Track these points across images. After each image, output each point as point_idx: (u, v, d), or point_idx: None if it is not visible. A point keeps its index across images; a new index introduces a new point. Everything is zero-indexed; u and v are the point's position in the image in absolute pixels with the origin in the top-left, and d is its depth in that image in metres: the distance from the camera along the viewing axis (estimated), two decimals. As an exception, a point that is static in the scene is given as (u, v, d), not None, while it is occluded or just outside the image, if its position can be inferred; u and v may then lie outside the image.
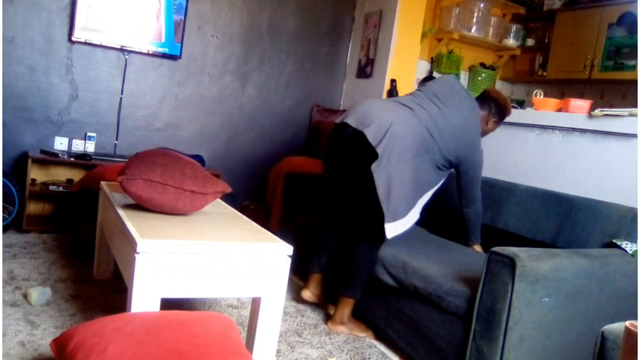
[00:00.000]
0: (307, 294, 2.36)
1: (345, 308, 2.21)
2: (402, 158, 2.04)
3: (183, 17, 3.47)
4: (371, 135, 2.04)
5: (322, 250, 2.37)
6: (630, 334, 0.97)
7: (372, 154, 2.04)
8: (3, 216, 2.88)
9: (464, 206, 2.31)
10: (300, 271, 2.77)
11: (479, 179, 2.28)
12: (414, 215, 2.16)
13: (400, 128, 2.05)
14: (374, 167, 2.03)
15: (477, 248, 2.40)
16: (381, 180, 2.02)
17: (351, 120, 2.13)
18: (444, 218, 2.71)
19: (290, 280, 2.66)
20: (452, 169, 2.27)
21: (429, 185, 2.19)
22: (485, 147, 2.80)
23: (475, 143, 2.22)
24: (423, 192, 2.18)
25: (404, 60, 3.74)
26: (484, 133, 2.35)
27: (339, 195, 2.34)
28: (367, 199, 2.09)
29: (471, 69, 4.48)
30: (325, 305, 2.43)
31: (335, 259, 2.36)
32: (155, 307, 1.55)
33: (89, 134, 3.39)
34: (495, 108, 2.31)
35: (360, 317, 2.31)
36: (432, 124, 2.13)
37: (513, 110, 2.74)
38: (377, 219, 2.08)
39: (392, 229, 2.08)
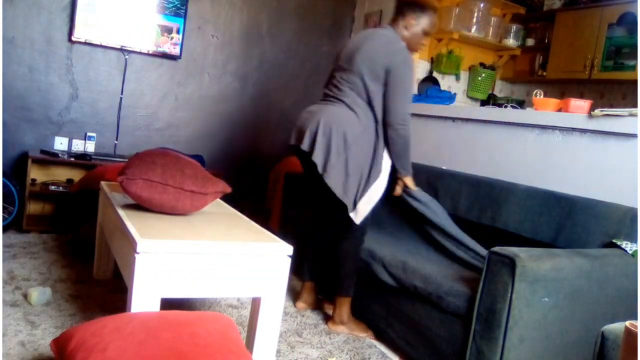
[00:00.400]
0: (300, 305, 2.42)
1: (343, 307, 2.23)
2: (342, 149, 2.07)
3: (183, 17, 3.47)
4: (306, 145, 2.12)
5: (307, 258, 2.42)
6: (630, 334, 0.97)
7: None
8: (3, 216, 2.88)
9: (392, 124, 2.13)
10: (299, 272, 2.77)
11: (409, 90, 2.14)
12: (377, 188, 2.16)
13: (328, 124, 2.09)
14: (320, 172, 2.10)
15: (408, 182, 2.29)
16: (332, 181, 2.08)
17: (292, 140, 2.23)
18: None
19: (290, 281, 2.66)
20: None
21: (379, 151, 2.16)
22: (485, 147, 2.80)
23: (394, 50, 2.12)
24: (377, 164, 2.15)
25: (404, 60, 3.73)
26: (414, 38, 2.23)
27: (316, 205, 2.41)
28: (332, 200, 2.14)
29: (471, 69, 4.48)
30: (322, 306, 2.44)
31: (327, 262, 2.38)
32: (155, 307, 1.55)
33: (89, 134, 3.39)
34: (406, 8, 2.21)
35: (361, 317, 2.31)
36: (351, 80, 2.13)
37: (513, 110, 2.74)
38: (346, 214, 2.14)
39: (359, 214, 2.13)
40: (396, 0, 2.31)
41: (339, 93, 2.18)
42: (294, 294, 2.57)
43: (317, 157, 2.09)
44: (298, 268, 2.56)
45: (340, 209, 2.16)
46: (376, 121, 2.15)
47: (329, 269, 2.32)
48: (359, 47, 2.16)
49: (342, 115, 2.12)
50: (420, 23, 2.22)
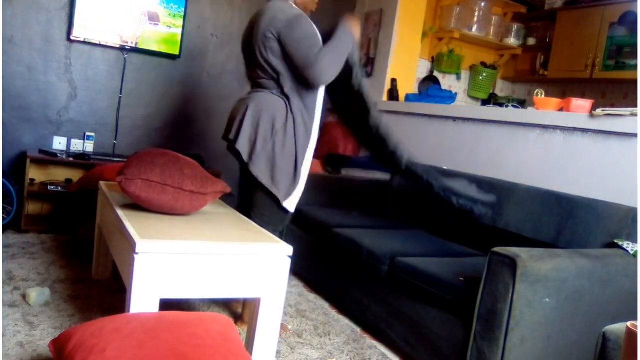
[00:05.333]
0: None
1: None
2: (269, 136, 2.03)
3: (183, 17, 3.46)
4: (232, 134, 2.09)
5: None
6: (631, 335, 0.97)
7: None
8: (2, 216, 2.87)
9: (303, 80, 2.02)
10: (299, 272, 2.77)
11: (300, 40, 1.98)
12: (306, 171, 2.13)
13: (254, 111, 2.05)
14: (245, 159, 2.05)
15: (350, 21, 2.14)
16: (258, 170, 2.03)
17: (224, 134, 2.19)
18: (443, 218, 2.71)
19: (290, 281, 2.65)
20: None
21: (308, 131, 2.12)
22: (486, 147, 2.79)
23: (280, 18, 2.01)
24: (307, 150, 2.12)
25: (405, 59, 3.73)
26: (307, 3, 2.20)
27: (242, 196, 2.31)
28: (259, 190, 2.09)
29: (472, 68, 4.48)
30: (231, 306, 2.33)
31: None
32: (155, 307, 1.55)
33: (87, 133, 3.38)
34: None
35: (361, 317, 2.30)
36: (257, 62, 2.07)
37: (514, 110, 2.73)
38: (271, 205, 2.10)
39: (291, 202, 2.11)
40: None
41: (260, 81, 2.12)
42: (294, 295, 2.57)
43: (242, 146, 2.04)
44: (300, 265, 2.55)
45: (262, 200, 2.09)
46: (291, 98, 2.05)
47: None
48: (253, 29, 2.10)
49: (270, 101, 2.06)
50: None
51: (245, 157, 2.04)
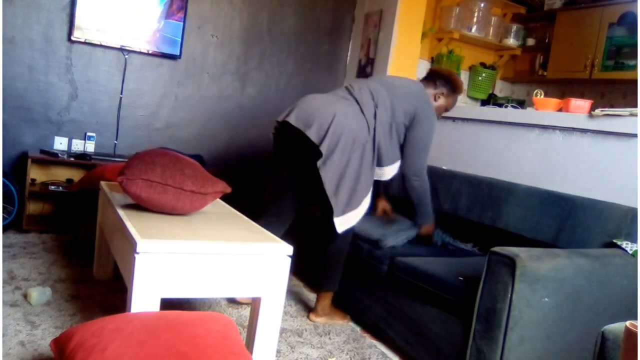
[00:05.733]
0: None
1: (326, 300, 2.30)
2: (347, 150, 2.06)
3: (183, 17, 3.47)
4: (314, 134, 2.07)
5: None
6: (630, 334, 0.97)
7: (317, 152, 2.07)
8: (3, 216, 2.88)
9: (407, 175, 2.25)
10: (299, 271, 2.77)
11: (427, 146, 2.26)
12: (365, 204, 2.18)
13: (342, 121, 2.07)
14: (319, 163, 2.05)
15: (425, 228, 2.39)
16: (327, 176, 2.05)
17: (293, 119, 2.14)
18: (443, 218, 2.72)
19: (290, 280, 2.66)
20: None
21: (374, 165, 2.19)
22: (486, 147, 2.80)
23: (426, 102, 2.26)
24: (372, 175, 2.19)
25: (404, 60, 3.74)
26: (438, 109, 2.37)
27: (286, 193, 2.34)
28: (318, 195, 2.11)
29: (471, 68, 4.48)
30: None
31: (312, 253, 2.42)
32: (155, 307, 1.55)
33: (88, 133, 3.38)
34: (440, 82, 2.35)
35: (361, 317, 2.31)
36: (379, 94, 2.19)
37: (514, 110, 2.73)
38: (331, 214, 2.11)
39: (342, 222, 2.11)
40: (434, 71, 2.44)
41: (358, 94, 2.19)
42: (293, 294, 2.57)
43: (324, 148, 2.05)
44: (300, 265, 2.57)
45: (323, 208, 2.14)
46: (376, 138, 2.16)
47: (313, 261, 2.37)
48: (395, 78, 2.38)
49: (355, 117, 2.12)
50: (447, 100, 2.38)
51: (321, 160, 2.05)
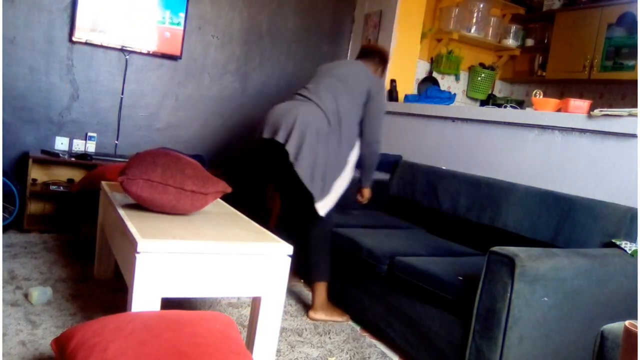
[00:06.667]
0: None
1: (321, 293, 2.35)
2: (314, 144, 2.24)
3: (184, 18, 3.47)
4: (281, 137, 2.26)
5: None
6: (629, 334, 0.98)
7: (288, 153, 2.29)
8: (4, 216, 2.89)
9: (369, 141, 2.44)
10: (299, 271, 2.78)
11: (383, 115, 2.48)
12: (341, 184, 2.37)
13: (304, 120, 2.26)
14: (292, 159, 2.22)
15: (366, 193, 2.59)
16: (302, 168, 2.22)
17: (266, 134, 2.34)
18: (442, 218, 2.72)
19: (290, 280, 2.66)
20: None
21: (342, 150, 2.38)
22: (485, 147, 2.81)
23: (374, 78, 2.48)
24: (345, 158, 2.40)
25: (404, 60, 3.74)
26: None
27: (283, 196, 2.60)
28: (300, 189, 2.28)
29: (471, 69, 4.49)
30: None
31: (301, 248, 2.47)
32: (156, 306, 1.56)
33: (89, 134, 3.39)
34: (377, 58, 2.58)
35: (361, 316, 2.31)
36: (335, 88, 2.38)
37: (513, 110, 2.74)
38: (312, 202, 2.30)
39: (323, 206, 2.30)
40: (368, 48, 2.67)
41: (314, 96, 2.38)
42: (293, 294, 2.58)
43: (291, 146, 2.23)
44: (300, 265, 2.57)
45: (306, 200, 2.29)
46: (341, 127, 2.35)
47: (304, 255, 2.44)
48: (342, 66, 2.53)
49: (314, 115, 2.31)
50: (383, 71, 2.65)
51: (292, 157, 2.23)
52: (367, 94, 2.42)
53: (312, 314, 2.33)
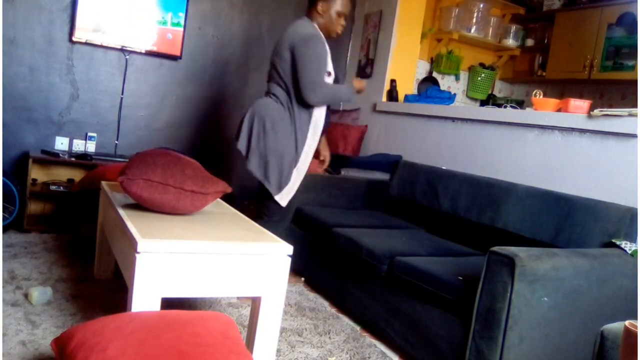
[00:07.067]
0: None
1: None
2: (261, 136, 2.26)
3: (184, 18, 3.48)
4: (236, 136, 2.33)
5: None
6: (629, 334, 0.98)
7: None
8: (4, 216, 2.89)
9: (303, 97, 2.29)
10: (300, 271, 2.78)
11: (309, 66, 2.26)
12: (299, 171, 2.38)
13: (251, 112, 2.29)
14: (245, 159, 2.28)
15: (358, 84, 2.53)
16: (253, 166, 2.27)
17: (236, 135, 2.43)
18: (442, 218, 2.72)
19: (290, 280, 2.66)
20: None
21: (299, 135, 2.34)
22: (485, 147, 2.81)
23: (296, 38, 2.30)
24: (298, 147, 2.35)
25: (404, 60, 3.74)
26: (329, 24, 2.40)
27: None
28: (260, 190, 2.35)
29: (471, 69, 4.49)
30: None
31: None
32: (156, 306, 1.56)
33: (89, 134, 3.39)
34: None
35: (360, 316, 2.31)
36: (279, 67, 2.33)
37: (513, 110, 2.74)
38: (267, 198, 2.36)
39: (282, 197, 2.34)
40: None
41: (268, 85, 2.41)
42: (293, 294, 2.58)
43: (241, 145, 2.27)
44: (300, 265, 2.58)
45: (263, 193, 2.35)
46: (291, 103, 2.32)
47: None
48: (278, 41, 2.42)
49: (265, 104, 2.32)
50: (331, 7, 2.39)
51: (244, 154, 2.28)
52: (290, 50, 2.28)
53: None
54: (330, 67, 2.38)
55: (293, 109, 2.33)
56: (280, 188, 2.31)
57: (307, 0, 2.47)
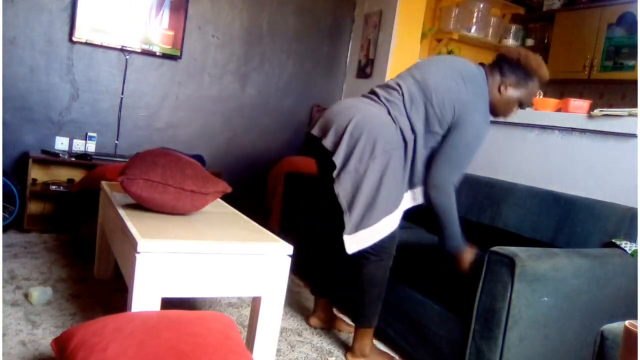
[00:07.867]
0: (314, 321, 2.21)
1: (365, 339, 1.95)
2: (366, 157, 1.76)
3: (183, 18, 3.48)
4: (329, 142, 1.82)
5: (320, 271, 2.17)
6: (629, 334, 0.98)
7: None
8: (4, 216, 2.89)
9: (426, 187, 1.83)
10: (299, 271, 2.78)
11: (460, 155, 1.83)
12: (387, 224, 1.82)
13: (361, 123, 1.77)
14: (334, 175, 1.79)
15: (461, 259, 1.86)
16: (341, 189, 1.78)
17: (316, 130, 1.91)
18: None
19: (290, 280, 2.66)
20: None
21: (404, 179, 1.85)
22: (484, 147, 2.80)
23: (471, 102, 1.81)
24: (401, 191, 1.85)
25: (404, 60, 3.74)
26: (506, 104, 1.90)
27: (328, 211, 2.02)
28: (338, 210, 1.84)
29: (471, 69, 4.48)
30: (338, 325, 2.23)
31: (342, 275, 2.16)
32: (156, 306, 1.56)
33: (89, 134, 3.39)
34: (507, 67, 1.85)
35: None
36: (414, 97, 1.83)
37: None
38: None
39: (353, 242, 1.80)
40: (500, 54, 1.92)
41: (387, 96, 1.85)
42: (293, 294, 2.58)
43: (338, 158, 1.78)
44: (299, 269, 2.57)
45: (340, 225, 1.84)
46: (416, 145, 1.83)
47: (346, 285, 2.09)
48: (441, 69, 1.87)
49: (381, 122, 1.78)
50: (519, 91, 1.88)
51: (335, 172, 1.78)
52: (450, 123, 1.79)
53: (350, 356, 1.97)
54: None
55: (407, 153, 1.81)
56: (357, 229, 1.78)
57: (496, 57, 1.93)
